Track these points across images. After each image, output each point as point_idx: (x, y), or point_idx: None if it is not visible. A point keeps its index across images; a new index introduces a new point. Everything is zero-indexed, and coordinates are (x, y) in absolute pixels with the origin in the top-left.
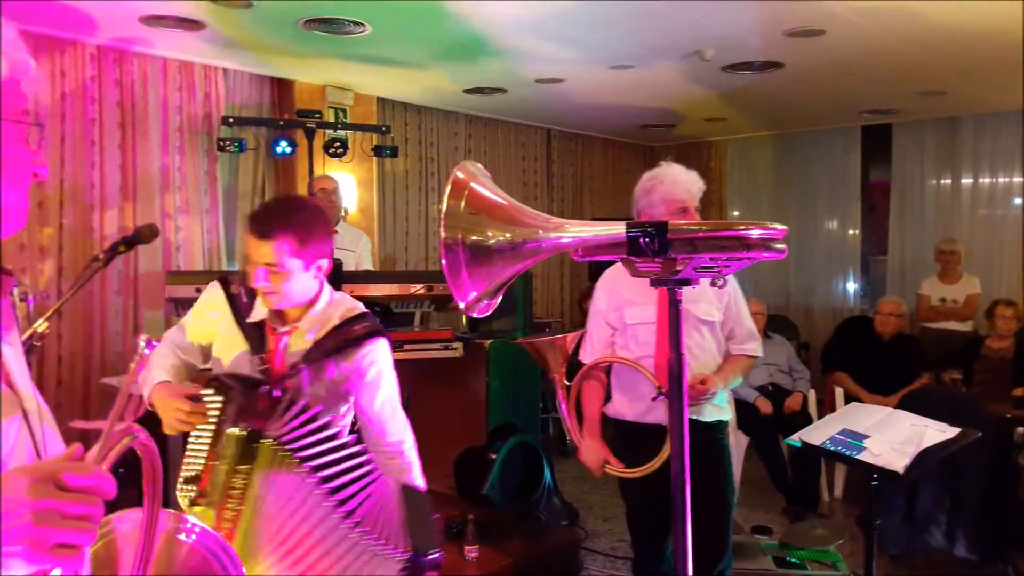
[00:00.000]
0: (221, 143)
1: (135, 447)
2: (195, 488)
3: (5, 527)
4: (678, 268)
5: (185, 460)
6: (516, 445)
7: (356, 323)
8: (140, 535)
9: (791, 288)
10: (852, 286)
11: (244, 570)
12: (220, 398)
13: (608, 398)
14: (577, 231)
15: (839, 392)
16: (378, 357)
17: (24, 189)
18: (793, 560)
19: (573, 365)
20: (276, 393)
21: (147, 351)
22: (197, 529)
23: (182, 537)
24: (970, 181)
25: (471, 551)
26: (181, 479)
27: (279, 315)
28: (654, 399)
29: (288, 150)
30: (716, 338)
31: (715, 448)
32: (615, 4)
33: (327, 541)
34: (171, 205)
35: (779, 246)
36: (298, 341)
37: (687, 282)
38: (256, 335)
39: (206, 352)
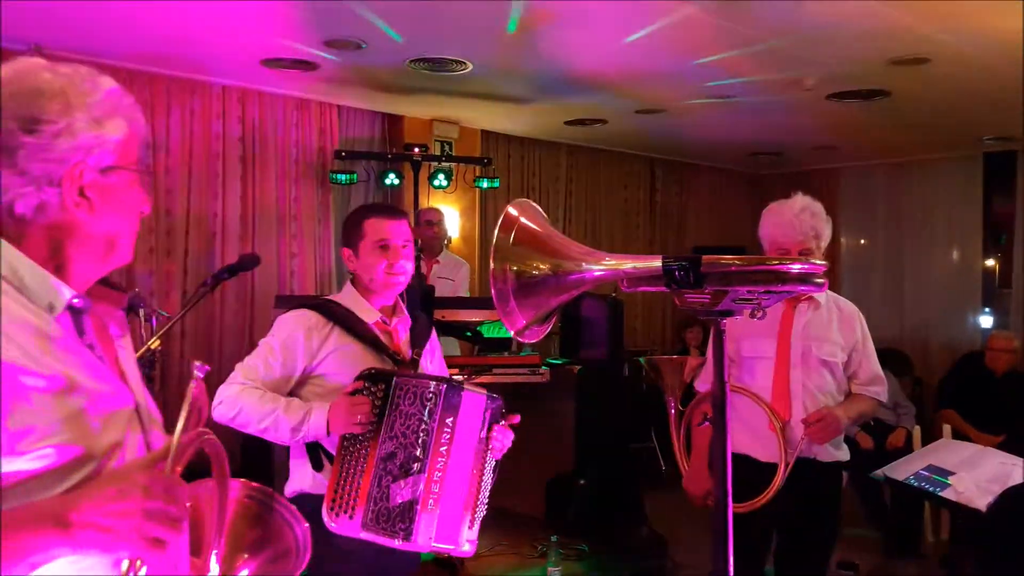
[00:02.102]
0: (334, 175)
1: (204, 446)
2: (394, 462)
3: (116, 514)
4: (721, 300)
5: (347, 457)
6: (606, 472)
7: (421, 316)
8: (214, 512)
9: (905, 321)
10: (974, 320)
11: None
12: (381, 384)
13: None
14: (616, 263)
15: (947, 429)
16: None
17: (135, 226)
18: None
19: (691, 392)
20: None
21: (199, 374)
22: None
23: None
24: None
25: (554, 572)
26: (378, 459)
27: (385, 309)
28: (701, 423)
29: (396, 182)
30: (837, 380)
31: (829, 491)
32: (714, 37)
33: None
34: (287, 233)
35: (819, 280)
36: (402, 330)
37: (730, 313)
38: (372, 335)
39: (292, 383)
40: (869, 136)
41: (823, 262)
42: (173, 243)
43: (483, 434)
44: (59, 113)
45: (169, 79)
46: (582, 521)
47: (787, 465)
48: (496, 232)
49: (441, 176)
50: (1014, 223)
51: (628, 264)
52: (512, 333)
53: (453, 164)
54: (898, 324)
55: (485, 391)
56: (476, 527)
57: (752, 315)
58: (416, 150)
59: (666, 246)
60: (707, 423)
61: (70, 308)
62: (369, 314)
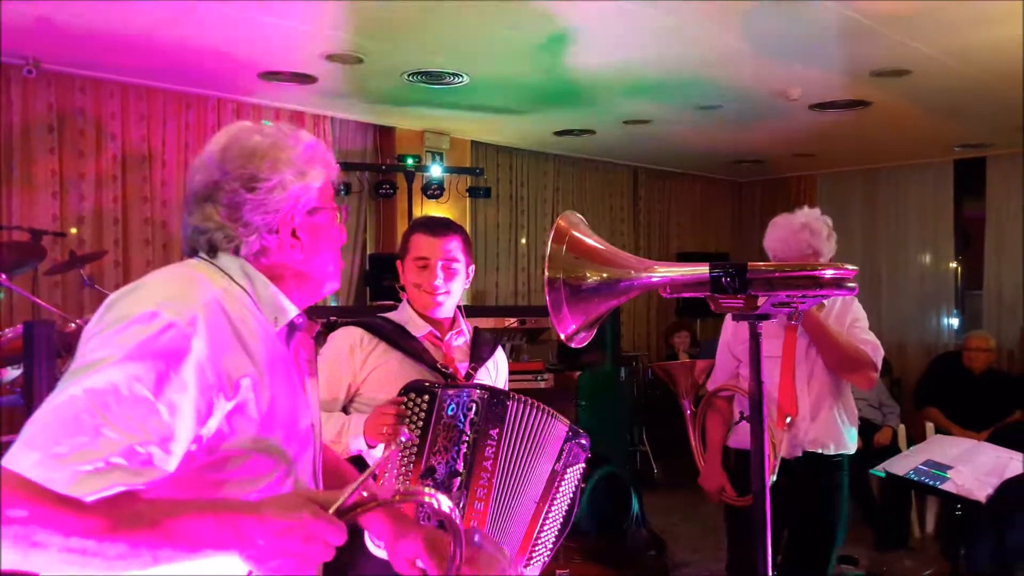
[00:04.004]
0: None
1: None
2: (433, 477)
3: (281, 531)
4: (758, 304)
5: (398, 468)
6: (604, 475)
7: (483, 332)
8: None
9: (883, 323)
10: (947, 321)
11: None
12: (426, 396)
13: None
14: (665, 271)
15: (930, 427)
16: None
17: (338, 257)
18: None
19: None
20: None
21: (404, 439)
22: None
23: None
24: None
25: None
26: (418, 476)
27: (435, 324)
28: (737, 422)
29: (389, 192)
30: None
31: (836, 484)
32: (702, 49)
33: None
34: None
35: (850, 284)
36: (458, 345)
37: (767, 317)
38: (420, 349)
39: (340, 402)
40: (847, 144)
41: (852, 267)
42: (170, 256)
43: (558, 467)
44: (271, 171)
45: (165, 92)
46: (586, 523)
47: (777, 459)
48: (549, 243)
49: (434, 186)
50: (984, 227)
51: (676, 271)
52: (563, 337)
53: (445, 174)
54: (875, 326)
55: (568, 423)
56: (536, 568)
57: (790, 319)
58: (412, 161)
59: (650, 253)
60: (743, 421)
61: (289, 324)
62: (420, 328)
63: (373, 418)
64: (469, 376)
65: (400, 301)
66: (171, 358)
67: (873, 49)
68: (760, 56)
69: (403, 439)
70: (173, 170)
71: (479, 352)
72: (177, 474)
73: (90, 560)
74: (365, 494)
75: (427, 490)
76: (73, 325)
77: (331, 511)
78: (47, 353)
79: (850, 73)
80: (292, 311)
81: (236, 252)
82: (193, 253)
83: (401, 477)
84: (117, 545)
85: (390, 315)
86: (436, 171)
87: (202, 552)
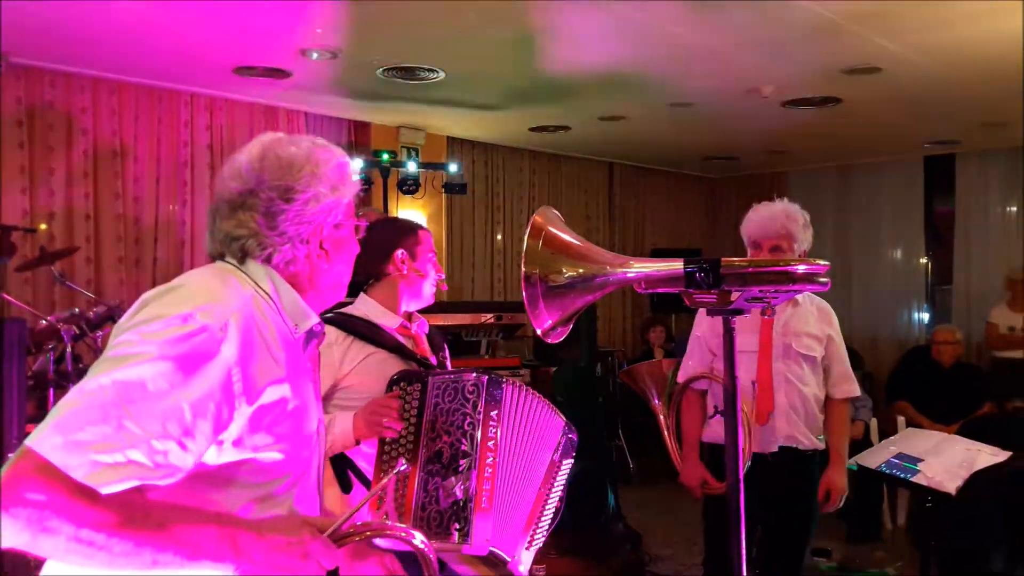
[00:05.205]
0: None
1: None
2: (440, 462)
3: (280, 547)
4: (731, 299)
5: (389, 450)
6: (580, 471)
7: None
8: None
9: (855, 318)
10: (917, 316)
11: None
12: (417, 384)
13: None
14: (640, 267)
15: (901, 421)
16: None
17: (351, 268)
18: None
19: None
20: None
21: (401, 468)
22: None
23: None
24: None
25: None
26: (422, 462)
27: (405, 315)
28: (711, 416)
29: (364, 188)
30: (816, 373)
31: (810, 478)
32: (676, 46)
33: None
34: None
35: (822, 280)
36: (425, 334)
37: (740, 311)
38: (395, 342)
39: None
40: (819, 141)
41: (825, 262)
42: (142, 252)
43: (556, 457)
44: (307, 183)
45: (137, 87)
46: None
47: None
48: (526, 239)
49: (410, 182)
50: (953, 223)
51: (650, 267)
52: (539, 333)
53: (421, 170)
54: (847, 321)
55: (565, 419)
56: (532, 553)
57: (763, 313)
58: (388, 156)
59: (625, 249)
60: (718, 415)
61: (308, 331)
62: (391, 320)
63: (367, 413)
64: (442, 364)
65: (357, 295)
66: (200, 361)
67: (844, 47)
68: (734, 53)
69: (401, 469)
70: (145, 166)
71: (435, 341)
72: (193, 470)
73: (96, 553)
74: (359, 523)
75: (400, 525)
76: (44, 322)
77: (327, 534)
78: (18, 351)
79: (822, 70)
80: (314, 318)
81: (267, 260)
82: (220, 257)
83: (397, 501)
84: (124, 542)
85: (350, 310)
86: (412, 167)
87: (200, 561)
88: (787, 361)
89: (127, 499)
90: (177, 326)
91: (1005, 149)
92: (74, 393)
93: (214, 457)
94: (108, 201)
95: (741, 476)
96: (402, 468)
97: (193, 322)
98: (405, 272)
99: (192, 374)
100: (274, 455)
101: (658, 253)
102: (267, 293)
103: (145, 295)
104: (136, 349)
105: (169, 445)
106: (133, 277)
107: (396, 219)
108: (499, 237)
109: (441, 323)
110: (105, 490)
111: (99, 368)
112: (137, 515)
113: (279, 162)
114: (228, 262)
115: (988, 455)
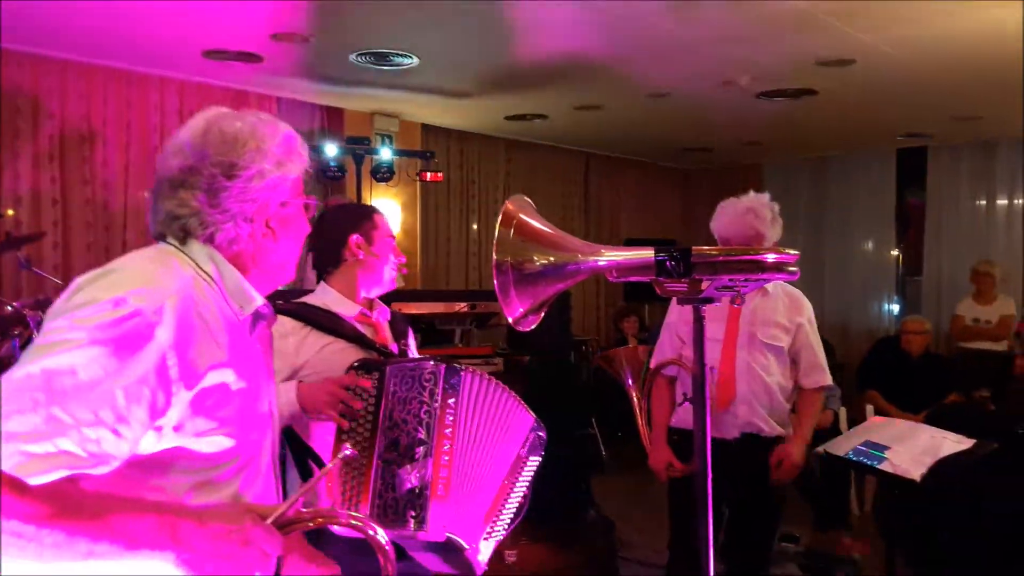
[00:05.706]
0: None
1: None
2: (396, 450)
3: (220, 535)
4: (702, 288)
5: (346, 440)
6: (553, 458)
7: (394, 311)
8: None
9: (826, 308)
10: (888, 306)
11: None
12: (375, 373)
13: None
14: (611, 255)
15: (870, 410)
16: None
17: (300, 247)
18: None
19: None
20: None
21: (347, 453)
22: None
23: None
24: (1005, 203)
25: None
26: (380, 450)
27: (365, 302)
28: (680, 403)
29: (338, 175)
30: (782, 363)
31: (771, 463)
32: (652, 36)
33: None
34: None
35: (792, 269)
36: (387, 321)
37: (710, 300)
38: (354, 331)
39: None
40: (794, 133)
41: (794, 252)
42: (111, 239)
43: (522, 452)
44: (251, 159)
45: (107, 70)
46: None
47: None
48: (497, 227)
49: (384, 169)
50: (924, 215)
51: (621, 255)
52: (510, 321)
53: (395, 157)
54: (819, 311)
55: (534, 416)
56: (491, 544)
57: (733, 302)
58: (361, 143)
59: (600, 238)
60: (687, 402)
61: (254, 313)
62: (349, 308)
63: (319, 393)
64: (403, 352)
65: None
66: (133, 346)
67: (819, 38)
68: (709, 44)
69: (346, 453)
70: (114, 150)
71: (398, 328)
72: (132, 458)
73: (26, 546)
74: (308, 509)
75: (353, 513)
76: (10, 308)
77: (269, 520)
78: None
79: (796, 62)
80: (258, 300)
81: (209, 239)
82: (161, 238)
83: (347, 488)
84: (55, 533)
85: (309, 299)
86: (386, 154)
87: (138, 551)
88: (751, 350)
89: (59, 490)
90: (109, 311)
91: (976, 143)
92: (2, 383)
93: (153, 443)
94: (76, 186)
95: (709, 463)
96: (347, 452)
97: (126, 306)
98: (361, 257)
99: (125, 359)
100: (219, 439)
101: (631, 243)
102: (209, 276)
103: (79, 279)
104: (66, 335)
105: (102, 432)
106: (102, 263)
107: (350, 204)
108: (474, 226)
109: (415, 312)
110: (34, 481)
111: (29, 356)
112: (69, 505)
113: (223, 137)
114: (170, 243)
115: (953, 443)
